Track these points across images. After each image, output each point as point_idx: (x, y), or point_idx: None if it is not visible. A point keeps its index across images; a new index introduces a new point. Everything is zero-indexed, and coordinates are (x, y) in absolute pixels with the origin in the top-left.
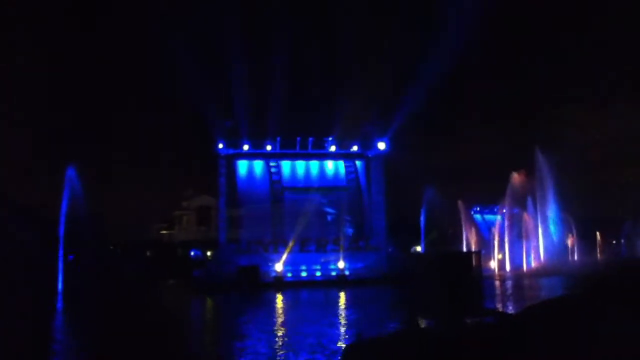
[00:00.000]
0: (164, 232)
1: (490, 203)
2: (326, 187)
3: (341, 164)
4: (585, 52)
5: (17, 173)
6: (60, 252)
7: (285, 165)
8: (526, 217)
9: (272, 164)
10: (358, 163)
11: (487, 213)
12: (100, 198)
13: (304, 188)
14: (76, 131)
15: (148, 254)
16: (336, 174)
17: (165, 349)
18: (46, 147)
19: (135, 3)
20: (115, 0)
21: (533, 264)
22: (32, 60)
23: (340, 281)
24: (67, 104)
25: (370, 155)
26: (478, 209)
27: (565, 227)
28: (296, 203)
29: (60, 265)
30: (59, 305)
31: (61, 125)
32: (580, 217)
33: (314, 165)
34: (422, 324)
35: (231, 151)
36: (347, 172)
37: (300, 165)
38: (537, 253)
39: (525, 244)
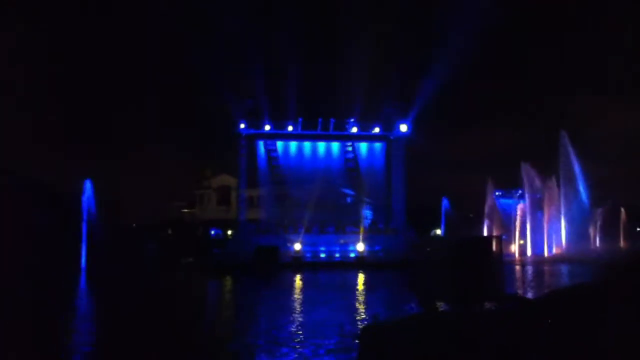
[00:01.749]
0: (185, 210)
1: (511, 188)
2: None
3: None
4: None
5: (37, 152)
6: (84, 231)
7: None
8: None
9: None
10: (378, 145)
11: (509, 198)
12: (121, 178)
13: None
14: (96, 112)
15: (169, 232)
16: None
17: (178, 329)
18: (67, 126)
19: None
20: None
21: (554, 250)
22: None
23: (359, 263)
24: (82, 87)
25: (392, 138)
26: (498, 194)
27: (588, 212)
28: (310, 184)
29: (84, 245)
30: (82, 282)
31: (82, 107)
32: (604, 203)
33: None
34: (440, 308)
35: (252, 131)
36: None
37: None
38: (558, 239)
39: (547, 230)
